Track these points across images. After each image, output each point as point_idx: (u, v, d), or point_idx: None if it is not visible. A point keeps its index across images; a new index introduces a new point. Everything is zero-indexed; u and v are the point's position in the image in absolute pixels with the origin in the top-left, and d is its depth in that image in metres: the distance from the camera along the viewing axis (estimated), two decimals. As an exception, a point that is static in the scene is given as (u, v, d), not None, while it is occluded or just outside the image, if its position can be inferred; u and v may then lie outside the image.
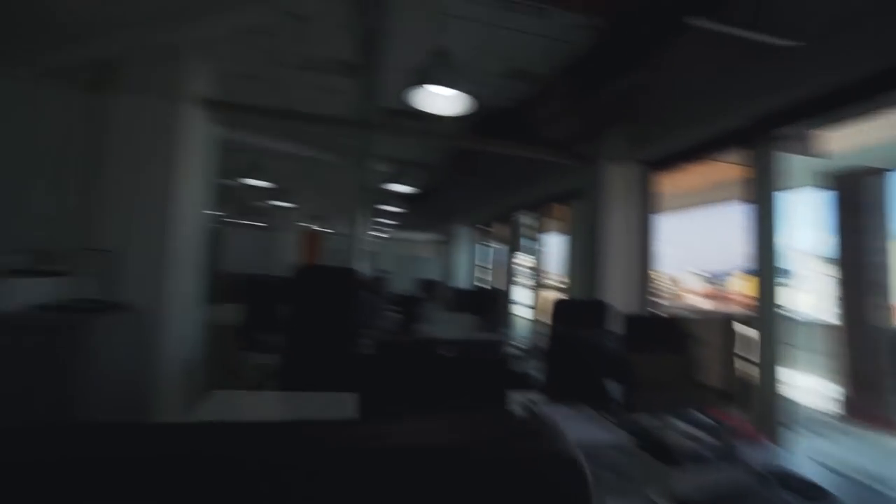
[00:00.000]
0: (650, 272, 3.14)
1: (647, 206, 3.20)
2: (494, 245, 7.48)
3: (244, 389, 2.03)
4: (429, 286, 6.21)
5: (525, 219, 5.85)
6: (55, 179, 2.58)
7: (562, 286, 4.42)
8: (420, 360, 1.37)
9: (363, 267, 6.90)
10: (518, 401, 1.48)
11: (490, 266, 7.51)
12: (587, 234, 3.35)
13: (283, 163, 5.58)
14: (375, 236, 10.46)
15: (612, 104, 2.47)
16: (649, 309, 3.09)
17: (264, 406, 1.82)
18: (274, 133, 4.24)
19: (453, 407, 1.40)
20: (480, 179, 4.70)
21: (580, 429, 1.42)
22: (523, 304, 5.54)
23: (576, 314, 2.32)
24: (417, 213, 7.18)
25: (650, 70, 2.10)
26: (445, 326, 3.14)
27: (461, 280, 7.57)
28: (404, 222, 8.38)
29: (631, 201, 3.18)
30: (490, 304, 4.52)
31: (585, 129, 2.94)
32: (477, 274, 7.77)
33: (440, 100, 2.04)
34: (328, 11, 2.12)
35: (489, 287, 5.35)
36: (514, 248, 6.01)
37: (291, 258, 7.41)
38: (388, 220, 7.12)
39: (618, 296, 3.04)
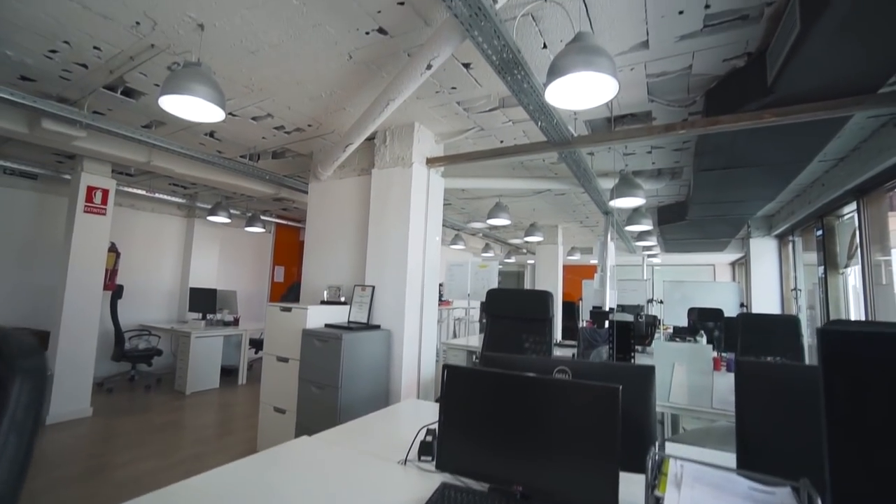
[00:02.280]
0: None
1: None
2: (811, 259, 5.39)
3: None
4: (704, 316, 5.04)
5: (844, 218, 4.02)
6: (342, 236, 3.73)
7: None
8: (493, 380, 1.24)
9: (623, 298, 6.32)
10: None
11: (807, 289, 5.41)
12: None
13: (529, 201, 5.99)
14: (649, 260, 9.36)
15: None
16: None
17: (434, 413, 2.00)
18: (507, 175, 4.66)
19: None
20: (757, 173, 3.59)
21: None
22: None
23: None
24: (690, 229, 6.06)
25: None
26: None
27: (761, 308, 5.76)
28: (678, 243, 7.19)
29: None
30: (786, 337, 3.28)
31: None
32: (799, 301, 5.73)
33: (578, 89, 1.82)
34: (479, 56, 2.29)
35: (779, 315, 3.86)
36: (832, 260, 4.16)
37: (556, 290, 7.60)
38: (650, 240, 6.30)
39: None
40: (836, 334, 0.85)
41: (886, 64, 1.93)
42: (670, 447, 1.62)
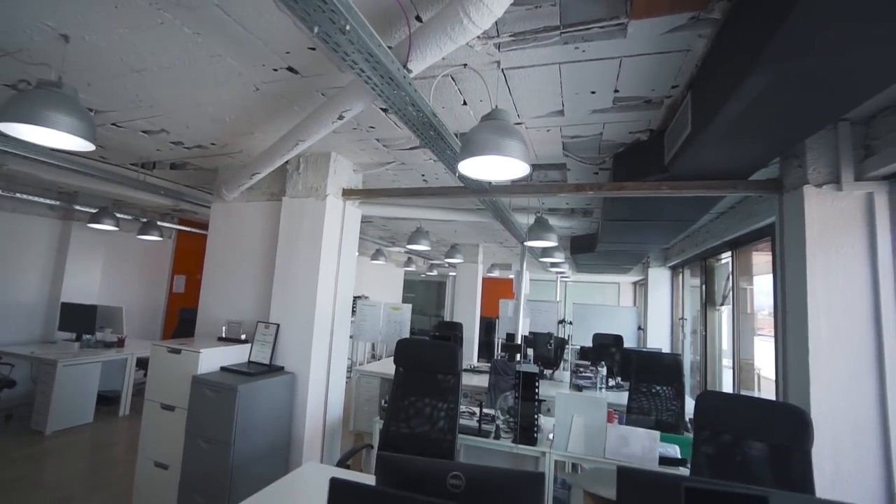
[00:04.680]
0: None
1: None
2: (697, 290, 6.06)
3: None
4: (606, 342, 5.42)
5: (721, 261, 4.57)
6: (247, 266, 3.44)
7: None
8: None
9: (539, 319, 6.61)
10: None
11: (692, 316, 6.09)
12: (781, 289, 2.37)
13: (451, 224, 6.01)
14: (561, 279, 9.94)
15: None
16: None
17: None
18: (427, 205, 4.61)
19: None
20: (654, 224, 3.92)
21: None
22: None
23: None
24: (599, 258, 6.50)
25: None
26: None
27: (656, 334, 6.37)
28: (588, 266, 7.70)
29: (856, 239, 2.10)
30: (667, 374, 3.61)
31: (754, 148, 2.11)
32: (684, 328, 6.41)
33: (490, 164, 1.82)
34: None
35: (665, 354, 4.30)
36: (711, 297, 4.72)
37: (475, 306, 7.75)
38: (563, 266, 6.67)
39: (834, 393, 2.00)
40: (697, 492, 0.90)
41: (756, 160, 2.18)
42: None
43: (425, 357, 2.51)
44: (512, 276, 10.78)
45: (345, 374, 3.39)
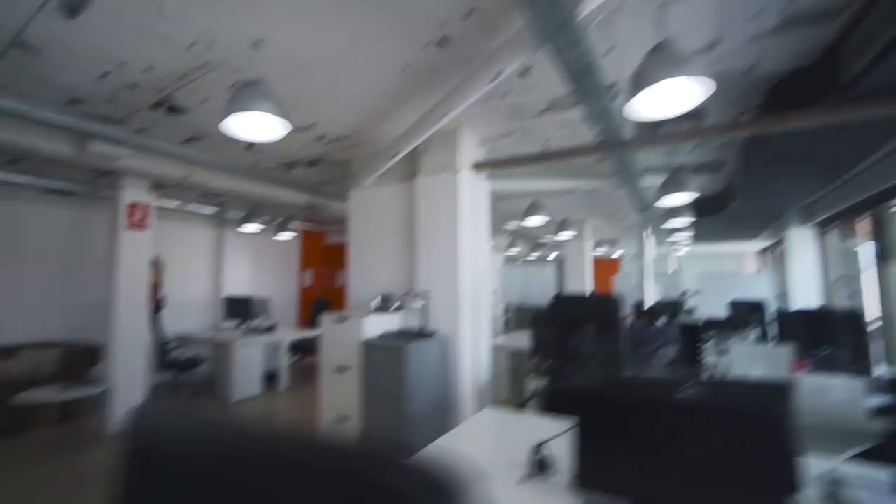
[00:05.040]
0: None
1: None
2: (859, 249, 5.27)
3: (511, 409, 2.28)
4: (746, 309, 4.96)
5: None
6: (388, 243, 3.74)
7: None
8: (636, 404, 1.22)
9: (659, 289, 6.26)
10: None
11: (853, 279, 5.31)
12: None
13: (563, 198, 5.93)
14: (675, 252, 9.24)
15: None
16: None
17: (520, 425, 1.99)
18: (545, 175, 4.61)
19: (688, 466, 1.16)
20: (809, 168, 3.51)
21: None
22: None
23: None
24: (725, 220, 5.96)
25: None
26: (746, 363, 2.48)
27: (802, 299, 5.67)
28: (710, 232, 7.08)
29: None
30: (845, 332, 3.20)
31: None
32: (837, 290, 5.63)
33: (662, 98, 1.78)
34: (540, 60, 2.25)
35: (840, 309, 3.80)
36: (887, 250, 4.08)
37: (584, 285, 7.55)
38: (684, 233, 6.22)
39: None
40: None
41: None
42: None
43: (584, 309, 2.54)
44: (617, 255, 10.31)
45: (490, 339, 3.55)
